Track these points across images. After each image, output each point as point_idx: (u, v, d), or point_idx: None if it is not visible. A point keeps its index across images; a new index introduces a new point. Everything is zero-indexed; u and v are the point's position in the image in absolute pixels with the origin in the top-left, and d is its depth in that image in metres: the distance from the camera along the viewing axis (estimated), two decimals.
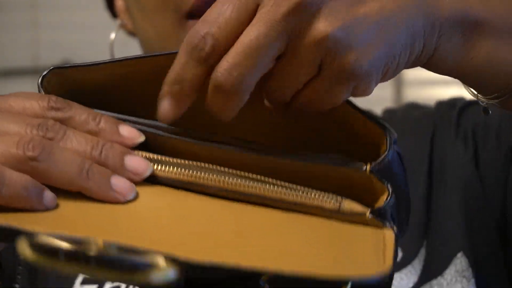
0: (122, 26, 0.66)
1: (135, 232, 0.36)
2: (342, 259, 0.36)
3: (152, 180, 0.39)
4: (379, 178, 0.39)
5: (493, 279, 0.56)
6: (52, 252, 0.30)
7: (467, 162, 0.58)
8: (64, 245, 0.30)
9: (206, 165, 0.39)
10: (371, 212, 0.39)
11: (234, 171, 0.39)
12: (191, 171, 0.39)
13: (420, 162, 0.60)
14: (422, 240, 0.57)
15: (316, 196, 0.39)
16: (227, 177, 0.39)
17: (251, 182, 0.39)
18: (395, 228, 0.39)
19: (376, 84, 0.38)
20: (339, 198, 0.39)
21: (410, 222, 0.57)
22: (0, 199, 0.35)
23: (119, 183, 0.37)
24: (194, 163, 0.39)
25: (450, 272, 0.55)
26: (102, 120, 0.39)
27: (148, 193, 0.38)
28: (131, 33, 0.66)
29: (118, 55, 0.66)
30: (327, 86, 0.37)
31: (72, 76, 0.42)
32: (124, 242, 0.32)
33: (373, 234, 0.38)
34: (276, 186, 0.39)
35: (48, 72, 0.41)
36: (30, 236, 0.30)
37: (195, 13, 0.56)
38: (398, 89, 1.67)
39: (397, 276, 0.55)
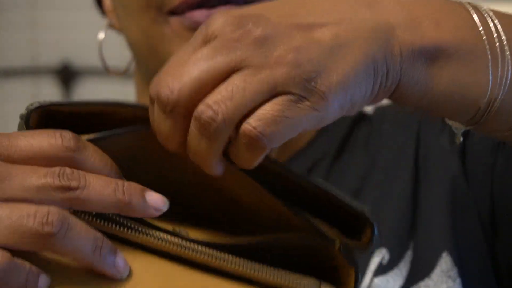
0: (111, 26, 0.66)
1: None
2: None
3: (144, 248, 0.40)
4: (347, 258, 0.41)
5: (479, 278, 0.56)
6: None
7: (452, 156, 0.58)
8: None
9: (204, 249, 0.40)
10: None
11: (233, 257, 0.40)
12: (182, 249, 0.40)
13: (406, 158, 0.60)
14: (409, 242, 0.57)
15: (299, 282, 0.40)
16: (215, 254, 0.40)
17: (237, 265, 0.40)
18: None
19: (342, 112, 0.38)
20: (317, 282, 0.40)
21: (396, 224, 0.57)
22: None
23: (121, 261, 0.38)
24: (195, 247, 0.40)
25: (436, 273, 0.55)
26: (126, 185, 0.39)
27: (140, 269, 0.39)
28: (120, 32, 0.66)
29: (111, 54, 0.66)
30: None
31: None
32: None
33: None
34: (262, 272, 0.40)
35: (33, 110, 0.40)
36: None
37: (178, 11, 0.56)
38: None
39: (383, 279, 0.55)
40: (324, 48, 0.37)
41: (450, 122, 0.44)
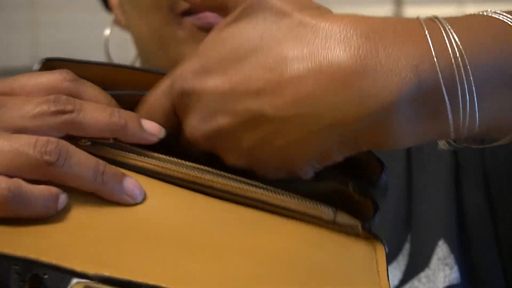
0: (116, 22, 0.66)
1: (145, 245, 0.36)
2: (341, 277, 0.38)
3: (158, 177, 0.40)
4: (363, 194, 0.41)
5: (481, 262, 0.55)
6: None
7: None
8: None
9: (211, 169, 0.40)
10: (362, 226, 0.40)
11: (237, 177, 0.40)
12: (198, 173, 0.40)
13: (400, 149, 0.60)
14: (406, 234, 0.57)
15: (314, 205, 0.40)
16: (231, 181, 0.40)
17: (253, 187, 0.40)
18: (383, 241, 0.41)
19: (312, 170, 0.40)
20: (333, 209, 0.40)
21: (393, 216, 0.57)
22: (17, 215, 0.35)
23: (130, 186, 0.38)
24: (202, 166, 0.40)
25: (433, 261, 0.55)
26: (121, 111, 0.40)
27: (155, 193, 0.40)
28: (125, 29, 0.65)
29: (114, 53, 0.66)
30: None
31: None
32: (132, 262, 0.34)
33: (366, 249, 0.40)
34: (277, 193, 0.40)
35: (41, 63, 0.42)
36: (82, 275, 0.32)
37: (191, 11, 0.55)
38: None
39: None
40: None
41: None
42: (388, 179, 0.42)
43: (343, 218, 0.40)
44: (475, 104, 0.37)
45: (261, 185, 0.40)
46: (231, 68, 0.38)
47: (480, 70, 0.37)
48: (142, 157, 0.40)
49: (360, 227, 0.40)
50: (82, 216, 0.37)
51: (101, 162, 0.38)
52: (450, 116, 0.37)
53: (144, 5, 0.58)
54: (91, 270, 0.33)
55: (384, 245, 0.40)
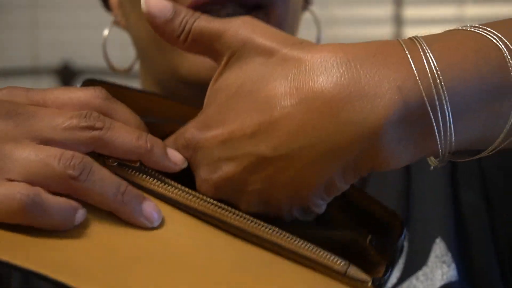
0: (116, 23, 0.66)
1: (157, 271, 0.37)
2: None
3: (177, 206, 0.41)
4: (378, 250, 0.42)
5: (478, 260, 0.55)
6: None
7: None
8: None
9: (229, 208, 0.41)
10: (372, 282, 0.41)
11: (254, 219, 0.41)
12: (216, 207, 0.41)
13: None
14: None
15: (328, 255, 0.40)
16: (248, 221, 0.41)
17: (270, 229, 0.40)
18: None
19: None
20: (346, 262, 0.41)
21: None
22: (34, 224, 0.36)
23: (149, 209, 0.39)
24: (219, 204, 0.41)
25: (431, 259, 0.55)
26: (149, 136, 0.41)
27: (172, 220, 0.40)
28: (125, 29, 0.65)
29: (114, 53, 0.66)
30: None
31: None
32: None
33: None
34: (292, 239, 0.40)
35: (82, 84, 0.43)
36: None
37: None
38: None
39: None
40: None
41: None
42: (404, 240, 0.43)
43: (355, 272, 0.41)
44: (451, 123, 0.38)
45: (277, 229, 0.40)
46: (228, 116, 0.39)
47: (455, 91, 0.38)
48: (164, 184, 0.41)
49: (370, 284, 0.40)
50: (97, 235, 0.37)
51: (123, 182, 0.38)
52: (436, 134, 0.38)
53: None
54: None
55: None
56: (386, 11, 1.64)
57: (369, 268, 0.41)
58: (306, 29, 0.64)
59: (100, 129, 0.38)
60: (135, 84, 0.68)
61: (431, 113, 0.37)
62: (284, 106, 0.37)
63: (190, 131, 0.41)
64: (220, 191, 0.40)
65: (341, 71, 0.37)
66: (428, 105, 0.37)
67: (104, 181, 0.38)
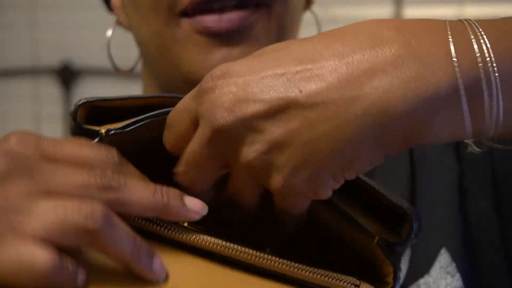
0: (119, 23, 0.66)
1: None
2: None
3: (183, 247, 0.40)
4: (385, 253, 0.41)
5: (486, 270, 0.55)
6: None
7: (447, 149, 0.58)
8: None
9: (234, 245, 0.40)
10: None
11: (261, 253, 0.40)
12: (223, 247, 0.40)
13: (402, 156, 0.60)
14: None
15: (337, 281, 0.40)
16: (255, 253, 0.40)
17: (278, 263, 0.40)
18: None
19: (333, 186, 0.40)
20: (357, 282, 0.40)
21: None
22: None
23: (158, 266, 0.38)
24: (224, 242, 0.40)
25: (435, 269, 0.55)
26: (164, 189, 0.39)
27: (178, 270, 0.39)
28: (128, 30, 0.65)
29: (117, 54, 0.66)
30: (280, 201, 0.40)
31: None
32: None
33: None
34: (301, 270, 0.40)
35: (78, 106, 0.42)
36: None
37: (189, 12, 0.55)
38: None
39: None
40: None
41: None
42: (415, 239, 0.43)
43: None
44: (500, 101, 0.38)
45: (291, 263, 0.40)
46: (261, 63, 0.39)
47: (506, 70, 0.38)
48: (175, 231, 0.40)
49: None
50: None
51: (138, 237, 0.38)
52: (486, 110, 0.38)
53: (144, 6, 0.57)
54: None
55: None
56: (386, 11, 1.64)
57: (376, 275, 0.41)
58: (306, 29, 0.64)
59: (116, 188, 0.37)
60: (137, 84, 0.68)
61: (484, 89, 0.37)
62: (328, 58, 0.38)
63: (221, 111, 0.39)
64: (260, 162, 0.38)
65: (397, 38, 0.38)
66: (483, 80, 0.37)
67: (124, 235, 0.37)
